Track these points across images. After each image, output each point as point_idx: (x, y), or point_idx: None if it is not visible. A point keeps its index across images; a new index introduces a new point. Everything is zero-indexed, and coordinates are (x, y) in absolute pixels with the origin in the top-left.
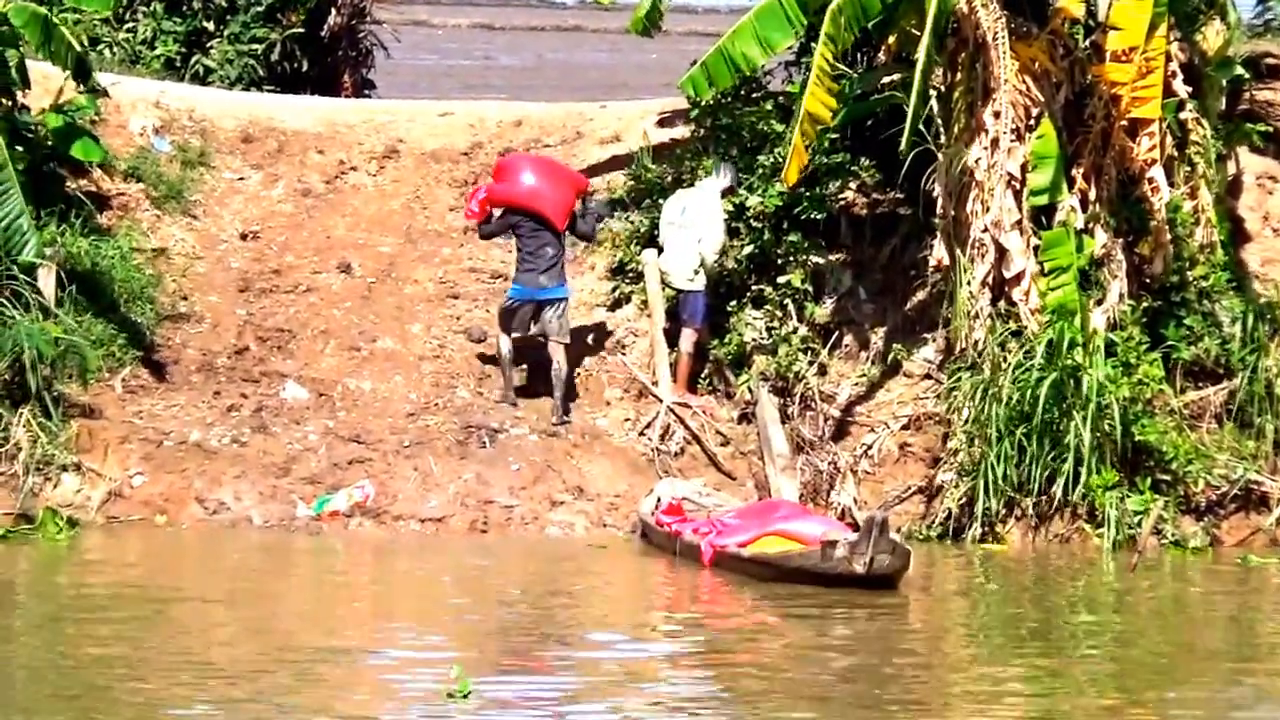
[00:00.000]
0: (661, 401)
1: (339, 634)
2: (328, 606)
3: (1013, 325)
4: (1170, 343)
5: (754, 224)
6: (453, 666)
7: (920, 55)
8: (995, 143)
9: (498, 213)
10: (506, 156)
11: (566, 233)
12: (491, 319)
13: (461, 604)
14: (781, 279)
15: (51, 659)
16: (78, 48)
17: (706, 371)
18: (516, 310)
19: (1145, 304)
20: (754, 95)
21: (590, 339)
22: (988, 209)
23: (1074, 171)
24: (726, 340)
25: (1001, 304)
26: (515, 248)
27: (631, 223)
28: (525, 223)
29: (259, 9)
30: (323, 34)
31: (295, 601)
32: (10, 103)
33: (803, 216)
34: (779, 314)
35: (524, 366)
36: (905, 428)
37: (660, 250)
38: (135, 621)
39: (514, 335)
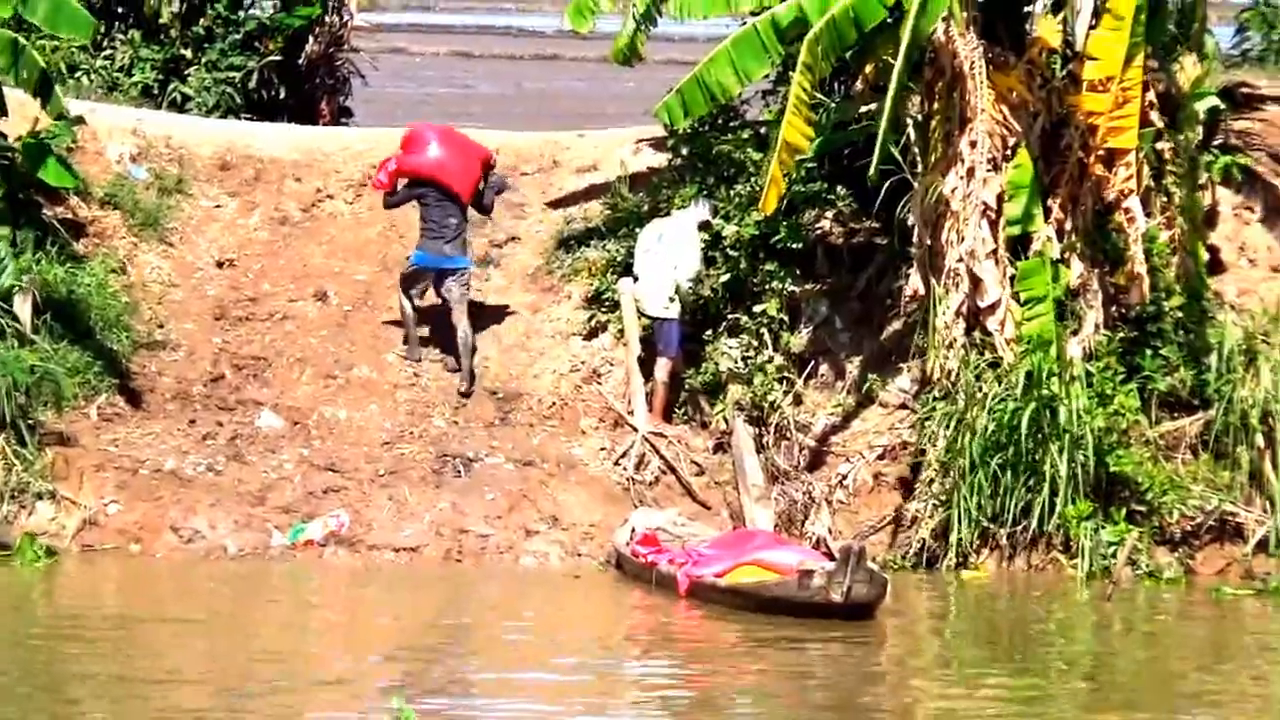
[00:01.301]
0: (637, 431)
1: (293, 663)
2: (288, 636)
3: (988, 355)
4: (1146, 373)
5: (730, 252)
6: (394, 696)
7: (893, 83)
8: (971, 172)
9: (403, 183)
10: (415, 127)
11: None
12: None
13: (426, 631)
14: (757, 308)
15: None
16: (41, 63)
17: (682, 401)
18: (417, 276)
19: (1121, 334)
20: (731, 124)
21: (566, 368)
22: (963, 238)
23: (1050, 201)
24: (702, 369)
25: (976, 334)
26: (420, 217)
27: (608, 251)
28: (431, 193)
29: (237, 37)
30: (300, 62)
31: (257, 631)
32: None
33: (779, 245)
34: (755, 343)
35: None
36: (880, 457)
37: (636, 278)
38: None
39: (414, 295)
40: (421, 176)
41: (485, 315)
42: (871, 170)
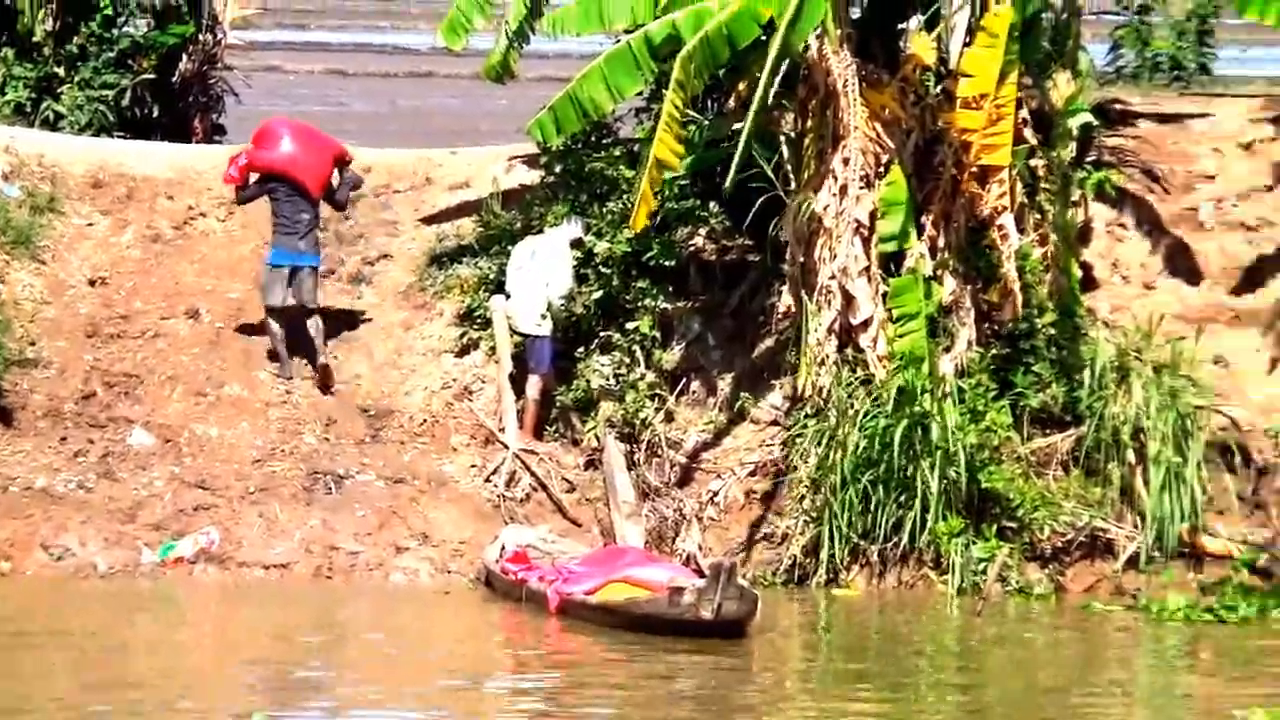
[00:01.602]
0: (508, 448)
1: (160, 682)
2: (157, 654)
3: (860, 372)
4: (1018, 389)
5: (603, 270)
6: (255, 713)
7: (757, 96)
8: (844, 189)
9: (254, 178)
10: (268, 121)
11: (322, 200)
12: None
13: (294, 649)
14: (630, 325)
15: None
16: None
17: (553, 418)
18: (275, 280)
19: (994, 351)
20: (604, 141)
21: (438, 385)
22: (835, 256)
23: (923, 218)
24: (574, 386)
25: (849, 351)
26: (271, 213)
27: (480, 269)
28: (281, 188)
29: (110, 55)
30: (174, 80)
31: (125, 649)
32: None
33: (652, 263)
34: (627, 360)
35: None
36: (751, 474)
37: (508, 295)
38: None
39: (278, 304)
40: (274, 171)
41: (357, 332)
42: (727, 183)
